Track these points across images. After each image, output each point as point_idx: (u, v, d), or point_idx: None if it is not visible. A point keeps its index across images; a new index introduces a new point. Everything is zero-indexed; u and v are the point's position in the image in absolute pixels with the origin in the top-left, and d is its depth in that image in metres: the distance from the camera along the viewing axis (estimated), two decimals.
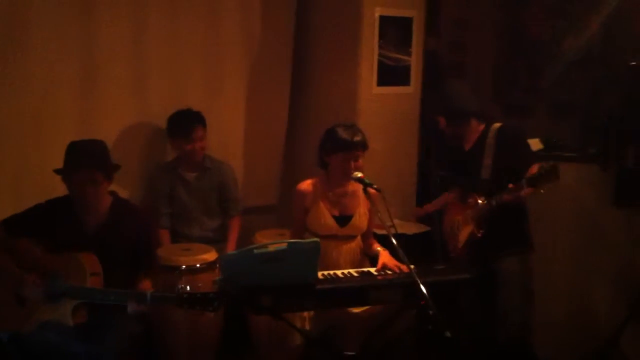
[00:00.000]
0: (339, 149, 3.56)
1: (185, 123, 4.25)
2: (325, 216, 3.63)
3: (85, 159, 3.34)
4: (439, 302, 2.89)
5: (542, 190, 3.46)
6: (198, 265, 3.82)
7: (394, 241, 3.18)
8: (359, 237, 3.76)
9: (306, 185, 3.70)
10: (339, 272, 3.43)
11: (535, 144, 4.44)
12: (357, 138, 3.55)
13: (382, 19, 4.47)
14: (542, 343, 4.30)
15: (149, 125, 4.38)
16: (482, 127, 3.92)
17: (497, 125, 3.89)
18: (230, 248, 4.29)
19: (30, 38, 3.83)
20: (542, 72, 4.95)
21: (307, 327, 3.44)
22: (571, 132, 4.67)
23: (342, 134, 3.56)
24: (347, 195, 3.68)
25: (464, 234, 3.90)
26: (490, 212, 3.72)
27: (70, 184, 3.39)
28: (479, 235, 3.79)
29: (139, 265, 3.45)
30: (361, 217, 3.69)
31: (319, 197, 3.65)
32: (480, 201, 3.77)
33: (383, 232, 3.64)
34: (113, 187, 3.54)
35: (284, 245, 3.03)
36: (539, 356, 4.18)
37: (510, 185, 3.55)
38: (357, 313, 3.45)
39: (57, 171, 3.41)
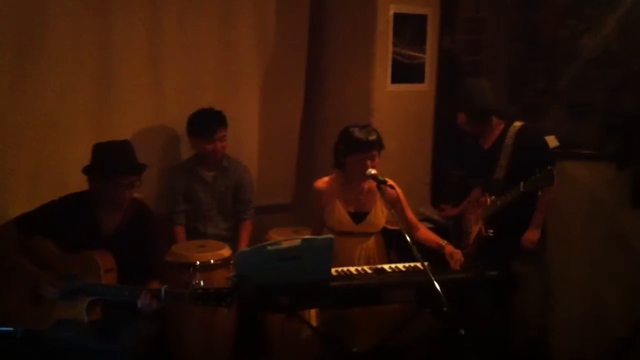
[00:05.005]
0: (354, 149, 3.53)
1: (207, 123, 4.22)
2: (340, 212, 3.61)
3: (129, 164, 3.34)
4: (453, 301, 2.87)
5: (539, 193, 3.51)
6: (212, 261, 3.82)
7: (407, 238, 3.17)
8: (377, 236, 3.73)
9: (323, 182, 3.71)
10: (352, 269, 3.40)
11: (551, 141, 4.41)
12: (372, 137, 3.53)
13: (397, 16, 4.46)
14: (559, 343, 4.27)
15: (164, 125, 4.39)
16: (502, 125, 3.89)
17: (518, 125, 3.86)
18: None
19: (46, 40, 3.86)
20: (558, 71, 4.91)
21: (314, 323, 3.43)
22: (588, 132, 4.63)
23: (357, 134, 3.53)
24: (363, 193, 3.66)
25: (474, 232, 3.90)
26: (496, 212, 3.72)
27: (106, 187, 3.34)
28: (488, 234, 3.77)
29: (146, 269, 3.37)
30: (377, 214, 3.66)
31: (335, 194, 3.64)
32: (489, 200, 3.77)
33: (395, 227, 3.66)
34: None
35: (297, 242, 3.01)
36: (555, 356, 4.15)
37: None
38: (369, 308, 3.43)
39: (89, 172, 3.38)
